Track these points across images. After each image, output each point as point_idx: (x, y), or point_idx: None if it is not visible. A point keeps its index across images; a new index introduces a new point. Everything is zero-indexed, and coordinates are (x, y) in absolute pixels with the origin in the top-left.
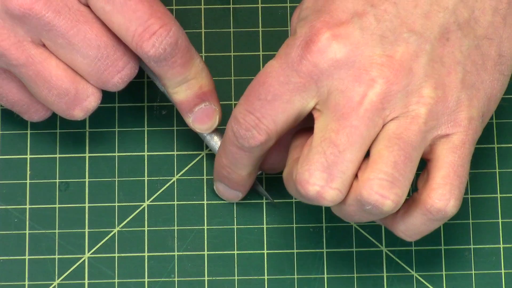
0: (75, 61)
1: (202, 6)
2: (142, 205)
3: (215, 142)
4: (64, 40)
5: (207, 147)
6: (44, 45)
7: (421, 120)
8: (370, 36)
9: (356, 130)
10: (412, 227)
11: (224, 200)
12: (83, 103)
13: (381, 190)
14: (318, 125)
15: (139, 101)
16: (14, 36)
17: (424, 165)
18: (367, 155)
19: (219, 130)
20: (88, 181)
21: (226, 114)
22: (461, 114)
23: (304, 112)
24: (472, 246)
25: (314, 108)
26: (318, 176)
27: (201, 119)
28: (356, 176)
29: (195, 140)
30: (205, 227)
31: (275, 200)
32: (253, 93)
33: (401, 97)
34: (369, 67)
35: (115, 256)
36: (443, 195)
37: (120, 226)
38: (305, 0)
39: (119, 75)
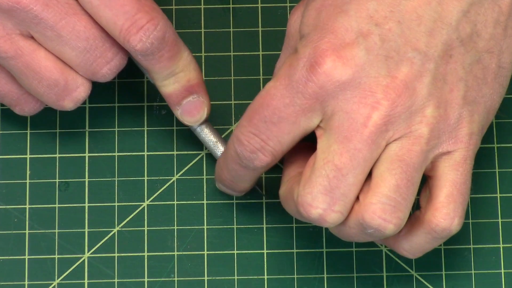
0: (64, 53)
1: (202, 6)
2: (142, 205)
3: (205, 134)
4: (52, 32)
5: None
6: (32, 37)
7: (423, 140)
8: (375, 57)
9: (359, 153)
10: (416, 246)
11: (224, 200)
12: (73, 93)
13: (383, 215)
14: (321, 146)
15: (139, 101)
16: (3, 29)
17: (424, 181)
18: (369, 175)
19: (209, 122)
20: (88, 181)
21: (224, 113)
22: (462, 131)
23: (308, 130)
24: (472, 246)
25: (317, 126)
26: (321, 200)
27: (190, 112)
28: (357, 198)
29: (195, 140)
30: (205, 227)
31: (264, 195)
32: (257, 115)
33: (404, 118)
34: (375, 88)
35: (115, 256)
36: (448, 214)
37: (120, 226)
38: (306, 14)
39: (108, 66)
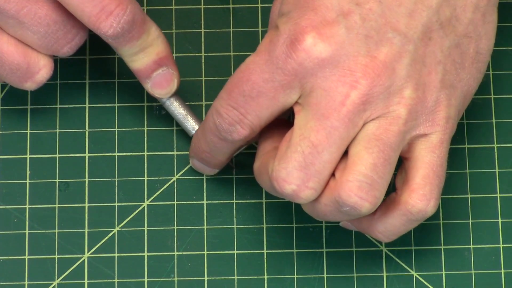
0: (26, 36)
1: (202, 6)
2: (142, 205)
3: (174, 107)
4: (14, 20)
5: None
6: None
7: (401, 121)
8: (355, 35)
9: (336, 131)
10: (390, 228)
11: (224, 200)
12: (35, 76)
13: (360, 193)
14: (297, 121)
15: (139, 101)
16: None
17: (400, 163)
18: (345, 153)
19: (179, 95)
20: (88, 181)
21: None
22: (439, 114)
23: (286, 106)
24: (472, 246)
25: (296, 102)
26: (295, 175)
27: (160, 84)
28: (333, 175)
29: None
30: (205, 227)
31: (234, 168)
32: (236, 89)
33: (382, 98)
34: (354, 67)
35: (115, 256)
36: (424, 196)
37: (120, 226)
38: None
39: (69, 45)
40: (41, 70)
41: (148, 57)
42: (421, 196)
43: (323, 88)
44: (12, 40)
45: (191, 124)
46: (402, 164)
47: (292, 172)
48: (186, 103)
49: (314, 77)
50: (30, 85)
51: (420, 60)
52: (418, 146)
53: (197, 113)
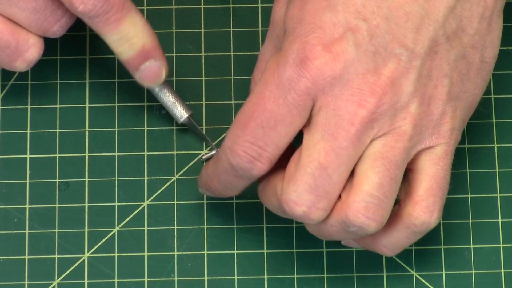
0: (15, 14)
1: (202, 6)
2: (141, 204)
3: (163, 94)
4: None
5: (207, 146)
6: None
7: (406, 137)
8: (363, 52)
9: (345, 151)
10: (394, 241)
11: (224, 200)
12: (25, 54)
13: (367, 213)
14: (306, 142)
15: (139, 101)
16: None
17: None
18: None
19: (168, 83)
20: (88, 180)
21: (224, 113)
22: (445, 126)
23: (300, 128)
24: (472, 246)
25: None
26: (305, 198)
27: (148, 76)
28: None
29: (195, 140)
30: (205, 227)
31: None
32: (252, 122)
33: (389, 115)
34: (362, 85)
35: (115, 256)
36: (427, 208)
37: (120, 225)
38: (290, 6)
39: (58, 24)
40: (30, 49)
41: (134, 49)
42: (424, 208)
43: (332, 107)
44: (1, 17)
45: (180, 112)
46: (405, 175)
47: (302, 194)
48: (175, 91)
49: (324, 96)
50: (20, 65)
51: (426, 74)
52: (422, 158)
53: (197, 113)
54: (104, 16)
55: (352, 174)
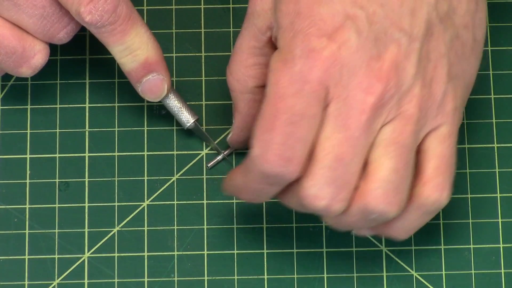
0: (22, 20)
1: (202, 6)
2: (141, 204)
3: (169, 100)
4: (9, 2)
5: (207, 146)
6: None
7: (414, 120)
8: (365, 39)
9: (358, 140)
10: (407, 224)
11: (224, 200)
12: (31, 60)
13: (386, 199)
14: (318, 135)
15: (139, 101)
16: None
17: None
18: None
19: (174, 88)
20: (88, 181)
21: (224, 113)
22: (447, 106)
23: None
24: (472, 246)
25: None
26: (326, 191)
27: (149, 89)
28: None
29: (195, 140)
30: (205, 227)
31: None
32: (277, 121)
33: (396, 100)
34: (368, 72)
35: (115, 256)
36: (438, 186)
37: (120, 226)
38: (283, 1)
39: (65, 30)
40: (36, 55)
41: (137, 61)
42: (435, 187)
43: (342, 97)
44: (8, 24)
45: (186, 117)
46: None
47: (322, 188)
48: (182, 97)
49: (334, 87)
50: (25, 71)
51: (425, 56)
52: (428, 139)
53: (197, 113)
54: (110, 27)
55: (365, 162)
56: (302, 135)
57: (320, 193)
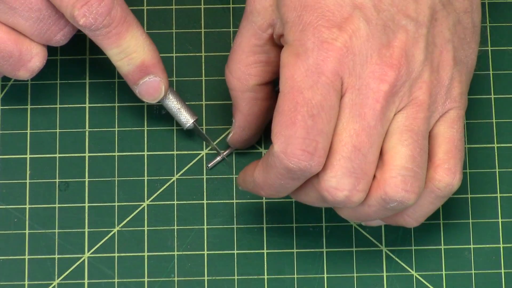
0: (18, 24)
1: (202, 6)
2: (142, 204)
3: (168, 100)
4: (5, 5)
5: (207, 146)
6: None
7: (425, 106)
8: (374, 27)
9: (374, 129)
10: (419, 209)
11: (224, 200)
12: (28, 64)
13: (405, 186)
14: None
15: (139, 101)
16: None
17: None
18: None
19: (173, 88)
20: (88, 180)
21: (224, 113)
22: (455, 91)
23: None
24: (472, 246)
25: None
26: (345, 182)
27: (147, 91)
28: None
29: (195, 140)
30: (205, 227)
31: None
32: (298, 115)
33: (408, 86)
34: (380, 60)
35: (115, 256)
36: (449, 169)
37: (120, 225)
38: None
39: (61, 33)
40: (33, 58)
41: (133, 64)
42: (446, 171)
43: (356, 87)
44: (4, 27)
45: (185, 118)
46: None
47: (342, 179)
48: (180, 96)
49: (349, 77)
50: (23, 74)
51: (432, 41)
52: (438, 123)
53: (197, 113)
54: (105, 30)
55: (380, 152)
56: (322, 127)
57: (339, 185)
